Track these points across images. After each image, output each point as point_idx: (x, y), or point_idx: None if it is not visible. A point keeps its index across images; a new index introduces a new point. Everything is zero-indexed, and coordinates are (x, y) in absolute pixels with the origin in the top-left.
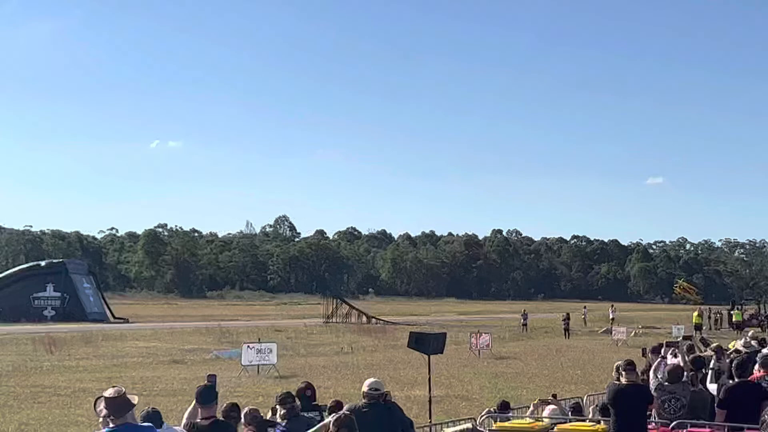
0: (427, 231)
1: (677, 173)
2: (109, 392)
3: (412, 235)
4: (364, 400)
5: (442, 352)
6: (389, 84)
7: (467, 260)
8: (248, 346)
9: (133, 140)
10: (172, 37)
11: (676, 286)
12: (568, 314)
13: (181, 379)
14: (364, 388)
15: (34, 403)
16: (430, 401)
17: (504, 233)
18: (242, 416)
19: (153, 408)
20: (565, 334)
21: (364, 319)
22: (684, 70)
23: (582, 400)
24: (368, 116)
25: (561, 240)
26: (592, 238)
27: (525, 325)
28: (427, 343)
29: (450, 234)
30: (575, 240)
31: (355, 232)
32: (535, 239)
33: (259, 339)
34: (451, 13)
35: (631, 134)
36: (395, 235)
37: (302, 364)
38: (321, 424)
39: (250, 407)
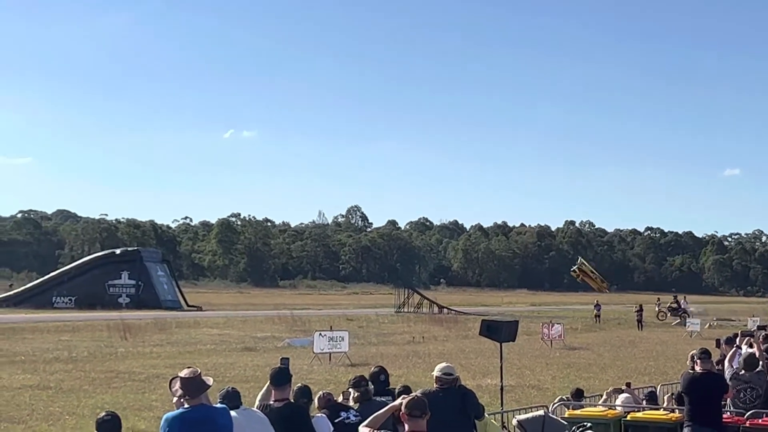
0: (499, 222)
1: (754, 165)
2: (184, 372)
3: (484, 225)
4: (436, 385)
5: (514, 340)
6: (464, 74)
7: (539, 251)
8: (320, 334)
9: (207, 130)
10: (247, 27)
11: (574, 269)
12: (641, 306)
13: (254, 366)
14: (437, 373)
15: (109, 388)
16: (501, 390)
17: (577, 224)
18: (315, 400)
19: (232, 387)
20: (638, 326)
21: (436, 309)
22: (763, 60)
23: (656, 389)
24: (442, 106)
25: (635, 231)
26: (666, 230)
27: (598, 316)
28: (499, 330)
29: (522, 225)
30: (649, 232)
31: (427, 223)
32: (609, 231)
33: (331, 327)
34: (526, 3)
35: (709, 125)
36: (467, 226)
37: (373, 352)
38: (391, 404)
39: (325, 391)
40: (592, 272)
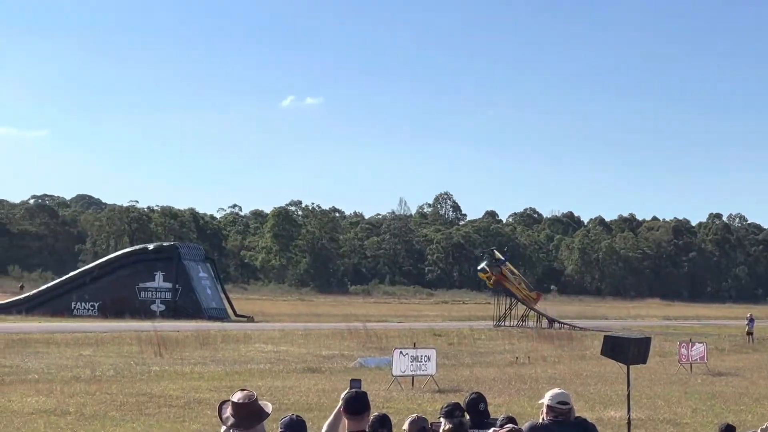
0: (625, 214)
1: None
2: (238, 396)
3: (606, 219)
4: (547, 417)
5: (644, 362)
6: (581, 51)
7: (676, 252)
8: (401, 353)
9: (260, 98)
10: None
11: (482, 266)
12: None
13: (318, 391)
14: (548, 402)
15: (141, 415)
16: (629, 425)
17: (724, 218)
18: (407, 425)
19: (297, 415)
20: None
21: (545, 322)
22: None
23: None
24: (549, 72)
25: None
26: None
27: (750, 333)
28: (626, 350)
29: (654, 219)
30: None
31: (535, 215)
32: (765, 227)
33: (414, 344)
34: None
35: None
36: (584, 219)
37: (466, 375)
38: None
39: (418, 415)
40: (513, 272)
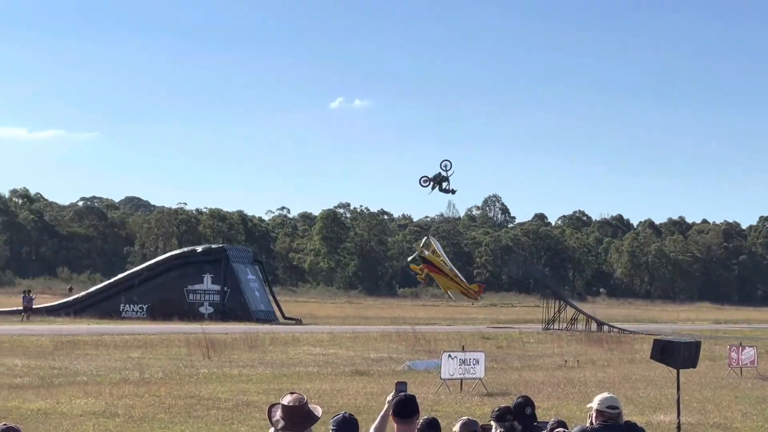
0: (674, 217)
1: None
2: (288, 399)
3: (656, 222)
4: (596, 421)
5: (694, 366)
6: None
7: (726, 255)
8: (449, 356)
9: (309, 99)
10: None
11: (415, 256)
12: None
13: (366, 394)
14: (597, 406)
15: (189, 417)
16: (678, 429)
17: None
18: (458, 427)
19: (349, 413)
20: None
21: (594, 325)
22: None
23: None
24: (599, 76)
25: None
26: None
27: None
28: (676, 354)
29: (704, 221)
30: None
31: (584, 218)
32: None
33: (463, 347)
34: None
35: None
36: (634, 222)
37: (515, 379)
38: None
39: (469, 417)
40: (446, 264)
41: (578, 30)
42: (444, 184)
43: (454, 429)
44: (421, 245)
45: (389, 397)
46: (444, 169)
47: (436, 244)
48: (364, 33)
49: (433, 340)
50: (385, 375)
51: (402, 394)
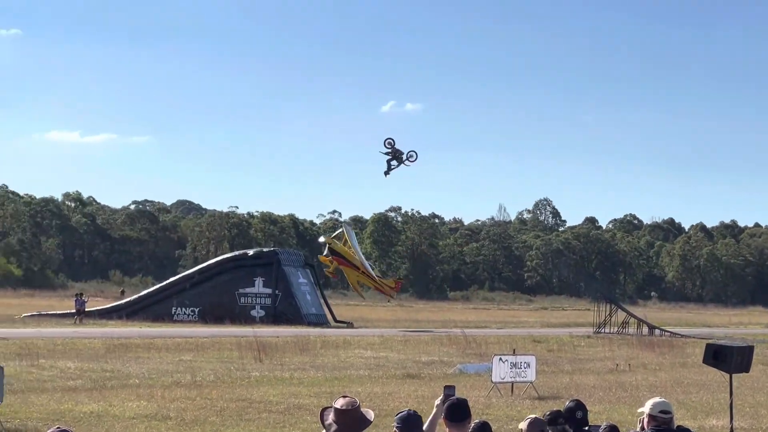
0: (726, 221)
1: None
2: (340, 403)
3: (707, 225)
4: (648, 426)
5: (747, 371)
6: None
7: None
8: (500, 359)
9: (360, 102)
10: None
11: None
12: None
13: (417, 397)
14: (649, 410)
15: (240, 420)
16: None
17: None
18: (527, 426)
19: (413, 410)
20: None
21: (645, 329)
22: None
23: None
24: (651, 79)
25: None
26: None
27: None
28: (729, 358)
29: (756, 225)
30: None
31: (635, 221)
32: None
33: (514, 351)
34: None
35: None
36: (685, 226)
37: (566, 382)
38: None
39: (536, 416)
40: (352, 255)
41: (626, 33)
42: (394, 163)
43: (520, 426)
44: (333, 236)
45: (438, 401)
46: (409, 158)
47: (350, 235)
48: (415, 37)
49: (484, 343)
50: (435, 378)
51: (452, 397)
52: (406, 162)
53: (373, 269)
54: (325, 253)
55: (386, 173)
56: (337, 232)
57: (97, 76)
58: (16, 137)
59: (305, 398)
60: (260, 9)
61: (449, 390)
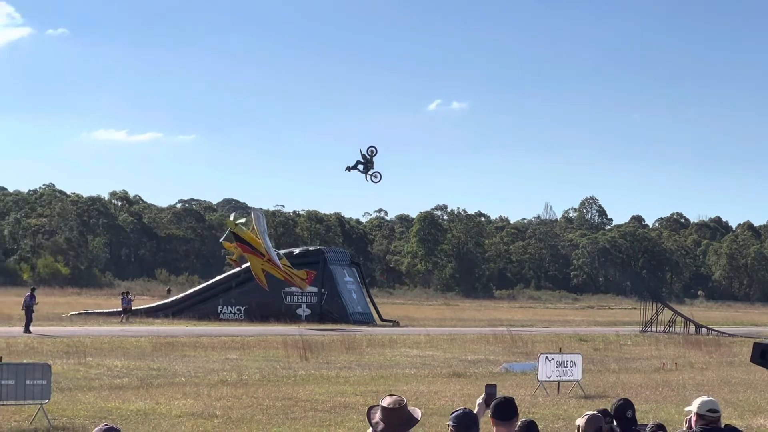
0: None
1: None
2: (387, 401)
3: (755, 224)
4: (696, 425)
5: None
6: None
7: None
8: (546, 358)
9: (407, 101)
10: None
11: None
12: None
13: (463, 396)
14: (696, 409)
15: (287, 419)
16: None
17: None
18: (585, 423)
19: (468, 408)
20: None
21: (692, 328)
22: None
23: None
24: (699, 76)
25: None
26: None
27: None
28: None
29: None
30: None
31: (682, 220)
32: None
33: (560, 349)
34: None
35: None
36: (732, 224)
37: (613, 381)
38: None
39: (594, 413)
40: (259, 243)
41: (675, 31)
42: (360, 168)
43: (577, 422)
44: (235, 220)
45: (479, 400)
46: (369, 154)
47: (258, 221)
48: (462, 35)
49: (530, 342)
50: (481, 377)
51: (498, 396)
52: (370, 178)
53: (280, 258)
54: (224, 237)
55: (348, 168)
56: (242, 219)
57: (143, 75)
58: (63, 137)
59: (351, 397)
60: (307, 6)
61: (491, 389)
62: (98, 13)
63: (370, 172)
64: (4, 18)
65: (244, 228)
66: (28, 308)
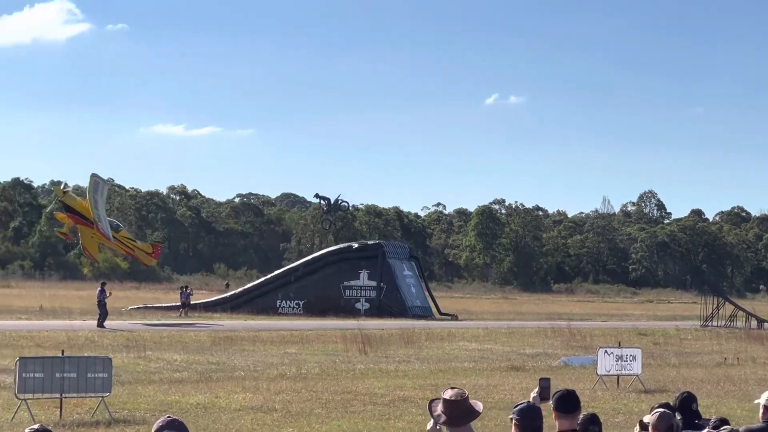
0: None
1: None
2: (449, 394)
3: None
4: (763, 418)
5: None
6: None
7: None
8: (606, 352)
9: (464, 95)
10: None
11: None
12: None
13: (522, 389)
14: (764, 402)
15: (346, 412)
16: None
17: None
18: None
19: (532, 402)
20: None
21: (754, 322)
22: None
23: None
24: (757, 67)
25: None
26: None
27: None
28: None
29: None
30: None
31: (743, 213)
32: None
33: (619, 343)
34: None
35: None
36: None
37: (673, 376)
38: None
39: (664, 410)
40: (89, 211)
41: (736, 24)
42: (330, 216)
43: (645, 420)
44: (64, 189)
45: (533, 393)
46: (339, 205)
47: (95, 188)
48: (520, 29)
49: (589, 335)
50: (540, 370)
51: (563, 389)
52: (325, 218)
53: (119, 230)
54: (51, 207)
55: (318, 197)
56: (89, 185)
57: (201, 69)
58: (122, 131)
59: (410, 390)
60: (364, 2)
61: (545, 382)
62: (157, 9)
63: (329, 216)
64: (65, 14)
65: (76, 197)
66: (100, 303)
